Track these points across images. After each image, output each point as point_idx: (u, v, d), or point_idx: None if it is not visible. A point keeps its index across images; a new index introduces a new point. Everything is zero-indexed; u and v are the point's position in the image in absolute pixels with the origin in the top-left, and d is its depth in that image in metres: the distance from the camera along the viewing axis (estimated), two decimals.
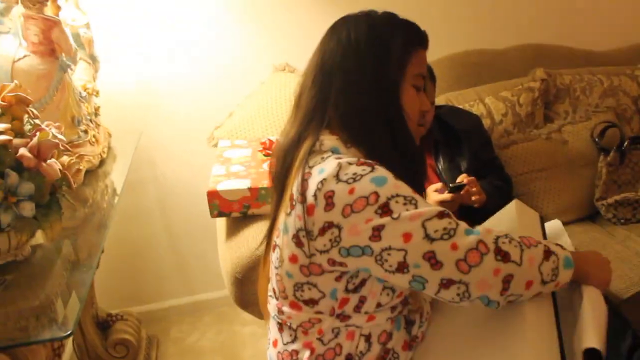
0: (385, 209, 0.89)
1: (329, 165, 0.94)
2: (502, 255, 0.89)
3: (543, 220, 1.25)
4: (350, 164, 0.93)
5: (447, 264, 0.87)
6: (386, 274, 0.91)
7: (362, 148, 1.00)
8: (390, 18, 1.06)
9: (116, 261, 2.28)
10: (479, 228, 0.92)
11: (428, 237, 0.87)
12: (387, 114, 1.01)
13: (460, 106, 2.01)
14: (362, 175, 0.91)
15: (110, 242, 2.14)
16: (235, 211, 1.53)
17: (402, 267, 0.89)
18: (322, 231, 0.93)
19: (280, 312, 1.08)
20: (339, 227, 0.91)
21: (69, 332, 1.13)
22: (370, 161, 0.95)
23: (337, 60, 1.02)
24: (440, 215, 0.89)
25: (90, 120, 1.77)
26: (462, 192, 1.54)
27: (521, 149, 2.00)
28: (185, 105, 2.16)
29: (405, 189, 0.92)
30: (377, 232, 0.89)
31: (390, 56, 1.01)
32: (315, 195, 0.93)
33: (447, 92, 2.10)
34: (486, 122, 2.00)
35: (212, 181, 1.55)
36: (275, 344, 1.13)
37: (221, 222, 1.69)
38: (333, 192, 0.91)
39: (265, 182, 1.51)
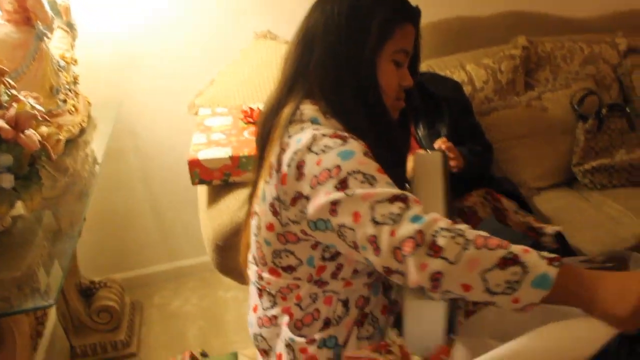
0: (343, 184, 0.88)
1: (305, 135, 0.95)
2: (435, 250, 0.80)
3: (445, 157, 1.22)
4: (324, 135, 0.94)
5: (384, 250, 0.83)
6: (349, 249, 0.90)
7: (340, 119, 1.00)
8: None
9: (99, 229, 2.28)
10: (430, 216, 0.84)
11: (374, 220, 0.84)
12: (362, 87, 1.01)
13: (442, 73, 2.01)
14: (331, 148, 0.91)
15: (92, 211, 2.14)
16: (216, 179, 1.53)
17: (355, 246, 0.88)
18: (294, 201, 0.94)
19: (260, 278, 1.10)
20: (307, 198, 0.92)
21: (51, 302, 1.15)
22: (345, 134, 0.95)
23: (319, 30, 1.02)
24: (393, 199, 0.85)
25: (69, 90, 1.75)
26: None
27: (502, 115, 2.02)
28: (166, 73, 2.14)
29: (370, 167, 0.90)
30: (334, 207, 0.88)
31: (370, 30, 1.00)
32: (289, 165, 0.94)
33: (428, 59, 2.10)
34: (467, 89, 2.01)
35: (193, 149, 1.54)
36: (255, 309, 1.15)
37: (202, 190, 1.70)
38: (304, 162, 0.92)
39: (246, 150, 1.52)
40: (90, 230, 2.14)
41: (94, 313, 2.04)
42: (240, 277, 1.50)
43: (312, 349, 1.04)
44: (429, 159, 1.21)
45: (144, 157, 2.25)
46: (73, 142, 1.75)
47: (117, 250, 2.39)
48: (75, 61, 1.78)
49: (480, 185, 1.72)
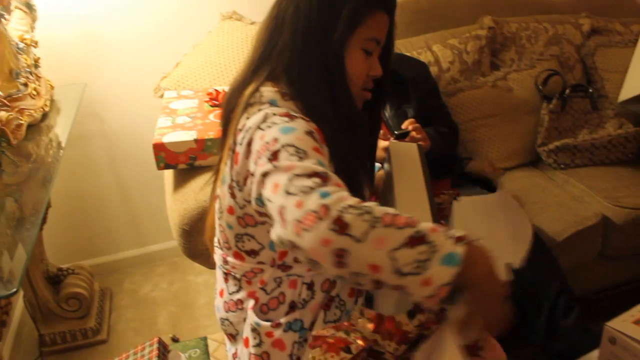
0: (274, 155, 0.85)
1: (258, 115, 0.95)
2: (340, 226, 0.74)
3: (421, 149, 1.22)
4: (275, 114, 0.94)
5: (288, 222, 0.77)
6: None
7: (299, 102, 1.00)
8: None
9: (66, 216, 2.26)
10: (340, 194, 0.78)
11: (286, 191, 0.79)
12: (328, 72, 1.00)
13: (408, 54, 2.02)
14: (277, 124, 0.91)
15: (59, 198, 2.12)
16: (182, 163, 1.52)
17: (275, 220, 0.83)
18: (245, 180, 0.94)
19: (225, 262, 1.10)
20: (254, 175, 0.90)
21: (14, 290, 1.13)
22: (296, 114, 0.95)
23: (289, 11, 1.01)
24: (313, 174, 0.80)
25: (30, 73, 1.71)
26: (406, 139, 1.56)
27: (468, 96, 2.04)
28: (131, 55, 2.11)
29: (306, 143, 0.87)
30: (263, 178, 0.85)
31: (340, 15, 0.99)
32: (240, 144, 0.94)
33: (395, 39, 2.10)
34: (433, 70, 2.02)
35: (158, 133, 1.53)
36: (221, 293, 1.15)
37: (169, 174, 1.69)
38: (253, 139, 0.92)
39: (212, 134, 1.50)
40: (56, 217, 2.12)
41: (63, 300, 2.02)
42: (207, 261, 1.50)
43: (277, 333, 1.04)
44: (405, 150, 1.21)
45: (110, 141, 2.22)
46: (36, 127, 1.72)
47: (84, 237, 2.37)
48: (36, 43, 1.74)
49: (446, 166, 1.73)
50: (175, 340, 1.93)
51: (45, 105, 1.76)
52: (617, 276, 2.00)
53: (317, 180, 0.79)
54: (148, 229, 2.43)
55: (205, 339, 1.56)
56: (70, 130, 1.72)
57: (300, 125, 0.92)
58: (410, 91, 1.78)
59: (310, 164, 0.82)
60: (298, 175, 0.80)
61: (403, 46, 2.07)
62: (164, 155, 1.50)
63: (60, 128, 1.75)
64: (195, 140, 1.49)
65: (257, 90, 1.01)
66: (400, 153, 1.20)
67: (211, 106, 1.69)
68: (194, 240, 1.43)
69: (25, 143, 1.64)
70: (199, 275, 2.37)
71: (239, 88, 1.05)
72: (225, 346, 1.52)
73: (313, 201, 0.76)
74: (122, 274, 2.42)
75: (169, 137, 1.50)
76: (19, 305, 2.12)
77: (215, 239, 1.15)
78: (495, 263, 0.81)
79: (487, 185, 1.78)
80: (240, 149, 0.94)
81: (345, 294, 1.09)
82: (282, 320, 1.04)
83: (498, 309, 0.82)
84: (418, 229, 0.76)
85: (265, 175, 0.84)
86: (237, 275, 1.08)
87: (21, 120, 1.58)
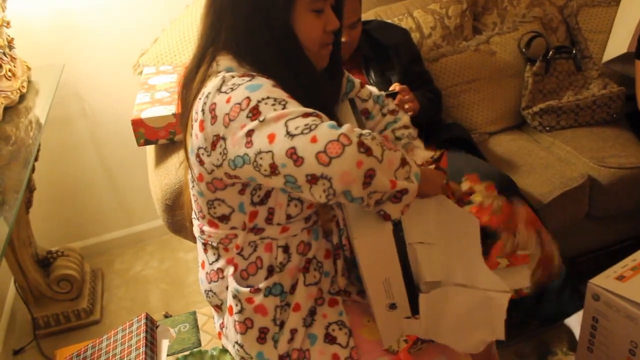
0: (254, 112, 0.87)
1: (215, 80, 0.94)
2: (365, 149, 0.84)
3: (353, 103, 1.25)
4: (233, 76, 0.93)
5: (307, 157, 0.83)
6: (265, 179, 0.90)
7: (255, 68, 0.99)
8: None
9: (52, 199, 2.25)
10: (346, 125, 0.86)
11: (289, 134, 0.84)
12: (280, 50, 0.99)
13: (389, 20, 1.99)
14: (239, 85, 0.91)
15: (44, 180, 2.10)
16: (162, 138, 1.51)
17: (273, 169, 0.86)
18: (213, 145, 0.93)
19: (202, 232, 1.10)
20: (224, 139, 0.91)
21: None
22: (252, 74, 0.94)
23: None
24: (306, 115, 0.86)
25: (4, 54, 1.68)
26: (395, 101, 1.55)
27: (450, 61, 2.02)
28: (109, 33, 2.08)
29: (280, 93, 0.90)
30: (249, 138, 0.87)
31: None
32: (202, 110, 0.93)
33: (376, 6, 2.08)
34: (415, 36, 2.00)
35: (137, 109, 1.51)
36: (203, 265, 1.15)
37: (150, 150, 1.68)
38: (215, 104, 0.91)
39: None
40: (42, 200, 2.11)
41: (54, 283, 2.02)
42: (192, 235, 1.50)
43: (258, 299, 1.04)
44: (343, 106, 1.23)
45: (91, 121, 2.20)
46: (13, 109, 1.70)
47: (72, 219, 2.36)
48: (8, 23, 1.71)
49: (432, 133, 1.73)
50: (167, 317, 1.95)
51: (22, 86, 1.74)
52: (604, 237, 2.01)
53: (314, 118, 0.85)
54: (135, 209, 2.42)
55: (194, 313, 1.57)
56: (49, 111, 1.70)
57: (264, 80, 0.92)
58: (393, 58, 1.77)
59: (295, 108, 0.87)
60: (292, 119, 0.85)
61: (384, 13, 2.05)
62: (144, 131, 1.49)
63: (39, 109, 1.73)
64: (174, 115, 1.48)
65: (212, 61, 1.00)
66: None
67: None
68: (177, 214, 1.42)
69: (4, 125, 1.62)
70: (188, 252, 2.38)
71: (195, 64, 1.03)
72: (213, 319, 1.53)
73: (328, 133, 0.83)
74: (112, 254, 2.43)
75: (148, 113, 1.49)
76: (10, 289, 2.12)
77: (193, 210, 1.14)
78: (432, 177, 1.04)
79: (471, 148, 1.78)
80: (203, 116, 0.93)
81: (321, 255, 1.10)
82: (261, 285, 1.04)
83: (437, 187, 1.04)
84: (401, 151, 0.92)
85: (250, 134, 0.87)
86: (214, 244, 1.08)
87: None
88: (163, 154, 1.53)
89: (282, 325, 1.06)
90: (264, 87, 0.90)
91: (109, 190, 2.36)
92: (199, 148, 0.97)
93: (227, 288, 1.10)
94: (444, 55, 2.02)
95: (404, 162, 0.91)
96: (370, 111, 1.27)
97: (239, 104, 0.88)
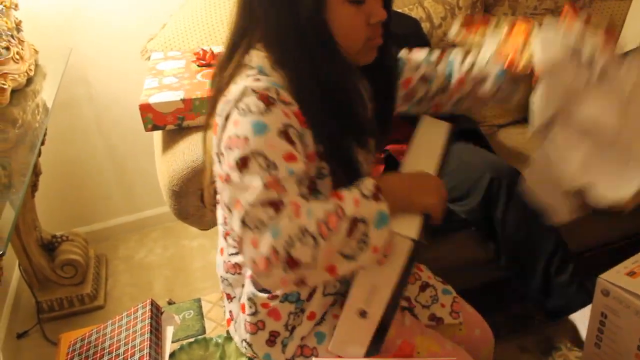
0: (243, 162, 0.84)
1: (240, 86, 0.89)
2: (290, 264, 0.80)
3: (453, 130, 1.14)
4: (254, 91, 0.87)
5: (246, 255, 0.83)
6: None
7: (285, 73, 0.92)
8: None
9: (58, 183, 2.25)
10: (283, 221, 0.80)
11: (242, 221, 0.82)
12: (307, 41, 0.90)
13: (399, 10, 1.97)
14: (251, 112, 0.86)
15: (50, 165, 2.10)
16: (170, 124, 1.50)
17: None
18: (217, 156, 0.92)
19: (225, 223, 1.06)
20: (222, 154, 0.89)
21: (0, 253, 1.13)
22: (274, 97, 0.87)
23: None
24: (266, 204, 0.81)
25: (12, 36, 1.67)
26: None
27: None
28: (116, 17, 2.06)
29: (276, 151, 0.85)
30: (227, 180, 0.86)
31: None
32: (220, 115, 0.91)
33: None
34: (425, 26, 1.98)
35: (145, 94, 1.50)
36: (222, 251, 1.12)
37: (157, 136, 1.67)
38: (230, 116, 0.88)
39: (199, 93, 1.48)
40: (48, 184, 2.10)
41: (58, 267, 2.02)
42: (198, 222, 1.50)
43: (273, 303, 1.02)
44: (435, 126, 1.13)
45: (98, 106, 2.19)
46: (21, 92, 1.70)
47: (77, 204, 2.36)
48: (16, 5, 1.70)
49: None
50: (171, 303, 1.94)
51: (30, 69, 1.73)
52: (611, 233, 1.99)
53: (270, 212, 0.81)
54: (141, 195, 2.41)
55: (199, 300, 1.57)
56: (57, 95, 1.70)
57: (273, 120, 0.86)
58: (402, 48, 1.75)
59: (263, 190, 0.82)
60: (253, 205, 0.81)
61: (394, 2, 2.02)
62: (152, 116, 1.48)
63: (47, 93, 1.73)
64: (183, 100, 1.47)
65: (246, 53, 0.95)
66: (430, 128, 1.12)
67: (199, 66, 1.66)
68: (184, 201, 1.42)
69: (11, 108, 1.62)
70: (193, 239, 2.37)
71: (227, 56, 0.99)
72: (219, 307, 1.53)
73: (265, 243, 0.80)
74: (116, 240, 2.42)
75: (156, 98, 1.48)
76: (15, 273, 2.13)
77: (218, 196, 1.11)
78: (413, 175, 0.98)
79: (480, 140, 1.76)
80: (219, 121, 0.91)
81: None
82: (279, 292, 1.01)
83: (429, 197, 0.93)
84: (347, 215, 0.82)
85: (227, 180, 0.86)
86: (237, 238, 1.06)
87: (4, 84, 1.55)
88: (171, 140, 1.52)
89: (293, 330, 1.05)
90: (266, 135, 0.85)
91: (114, 176, 2.36)
92: (216, 147, 0.94)
93: (242, 285, 1.08)
94: (454, 47, 2.00)
95: (351, 231, 0.82)
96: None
97: (238, 137, 0.85)
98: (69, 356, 1.33)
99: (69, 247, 2.07)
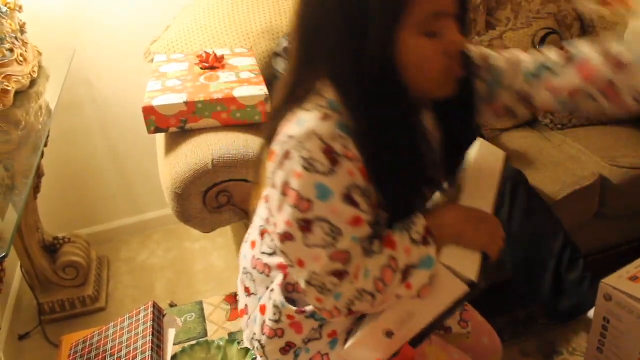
0: (307, 224, 0.83)
1: (307, 124, 0.83)
2: (352, 314, 0.90)
3: (506, 158, 1.10)
4: (322, 140, 0.81)
5: (310, 302, 0.90)
6: None
7: (350, 116, 0.84)
8: None
9: (60, 185, 2.25)
10: (345, 286, 0.86)
11: (307, 282, 0.87)
12: (371, 81, 0.82)
13: None
14: (316, 171, 0.81)
15: (53, 166, 2.10)
16: (173, 126, 1.50)
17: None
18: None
19: (267, 221, 1.01)
20: (272, 197, 0.87)
21: (3, 254, 1.13)
22: (340, 155, 0.82)
23: (311, 15, 0.85)
24: (331, 273, 0.85)
25: (16, 38, 1.68)
26: None
27: None
28: (120, 20, 2.07)
29: (341, 217, 0.83)
30: (287, 237, 0.85)
31: (369, 10, 0.79)
32: (278, 145, 0.85)
33: None
34: None
35: (148, 97, 1.50)
36: (253, 245, 1.09)
37: (160, 139, 1.67)
38: (290, 155, 0.83)
39: (202, 96, 1.48)
40: (51, 186, 2.11)
41: (60, 269, 2.02)
42: (201, 225, 1.50)
43: (299, 317, 1.01)
44: (492, 154, 1.07)
45: (101, 108, 2.19)
46: (24, 94, 1.70)
47: (80, 206, 2.36)
48: (20, 7, 1.71)
49: None
50: (172, 306, 1.94)
51: (33, 71, 1.73)
52: (614, 237, 2.00)
53: (334, 280, 0.86)
54: (143, 197, 2.42)
55: (201, 303, 1.57)
56: (60, 97, 1.70)
57: (339, 182, 0.82)
58: None
59: (329, 262, 0.85)
60: (318, 275, 0.86)
61: None
62: (155, 119, 1.48)
63: (50, 95, 1.73)
64: (186, 103, 1.47)
65: (314, 84, 0.87)
66: (487, 156, 1.06)
67: (202, 69, 1.66)
68: (186, 203, 1.42)
69: (14, 110, 1.62)
70: (195, 242, 2.37)
71: (291, 91, 0.91)
72: (220, 309, 1.53)
73: (328, 303, 0.88)
74: (118, 242, 2.43)
75: (159, 100, 1.48)
76: (17, 275, 2.13)
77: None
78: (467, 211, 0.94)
79: None
80: (277, 150, 0.86)
81: None
82: (308, 309, 1.00)
83: (484, 234, 0.93)
84: (400, 268, 0.87)
85: (289, 237, 0.86)
86: (276, 243, 1.00)
87: (8, 86, 1.56)
88: (173, 143, 1.52)
89: (308, 342, 1.04)
90: (330, 201, 0.82)
91: (116, 178, 2.36)
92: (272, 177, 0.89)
93: (267, 288, 1.06)
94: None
95: (404, 278, 0.87)
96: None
97: (301, 197, 0.82)
98: (71, 358, 1.33)
99: (71, 249, 2.08)
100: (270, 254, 1.04)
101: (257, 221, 1.09)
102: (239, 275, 1.15)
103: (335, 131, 0.82)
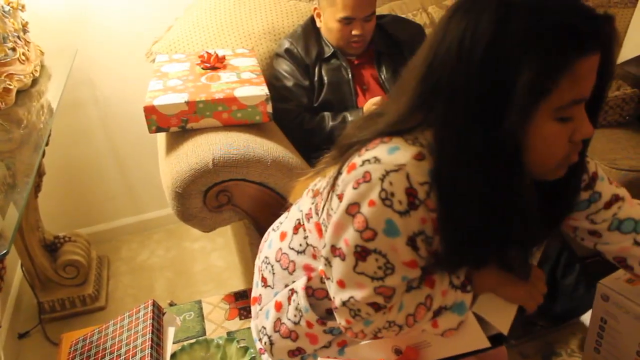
0: (362, 252, 0.84)
1: (400, 155, 0.80)
2: (376, 338, 0.94)
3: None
4: (409, 180, 0.79)
5: (339, 321, 0.93)
6: None
7: (450, 178, 0.80)
8: (538, 9, 0.74)
9: (61, 184, 2.26)
10: (378, 316, 0.90)
11: (343, 303, 0.89)
12: (492, 155, 0.78)
13: (404, 15, 1.99)
14: (391, 206, 0.80)
15: (54, 165, 2.11)
16: (174, 126, 1.50)
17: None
18: (332, 188, 0.88)
19: (307, 217, 1.01)
20: (335, 210, 0.86)
21: (4, 252, 1.13)
22: (420, 200, 0.80)
23: (447, 64, 0.78)
24: (371, 304, 0.87)
25: (18, 37, 1.69)
26: None
27: None
28: (122, 20, 2.08)
29: (398, 257, 0.83)
30: (337, 252, 0.87)
31: (515, 85, 0.74)
32: (361, 159, 0.82)
33: (390, 1, 2.07)
34: (429, 32, 1.99)
35: (149, 96, 1.51)
36: (282, 236, 1.07)
37: (161, 138, 1.67)
38: (369, 178, 0.80)
39: (203, 96, 1.49)
40: (52, 185, 2.12)
41: (60, 268, 2.02)
42: (201, 224, 1.50)
43: (317, 329, 1.02)
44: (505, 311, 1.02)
45: (102, 107, 2.21)
46: (26, 93, 1.70)
47: (80, 205, 2.37)
48: (23, 7, 1.71)
49: None
50: (172, 305, 1.94)
51: (35, 70, 1.74)
52: None
53: (370, 310, 0.88)
54: (144, 197, 2.42)
55: (199, 302, 1.57)
56: (62, 96, 1.70)
57: (409, 226, 0.81)
58: (406, 54, 1.76)
59: (372, 294, 0.86)
60: (358, 301, 0.87)
61: (398, 8, 2.04)
62: (156, 118, 1.49)
63: (52, 94, 1.73)
64: (187, 102, 1.47)
65: (416, 128, 0.83)
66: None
67: (203, 69, 1.67)
68: (187, 203, 1.42)
69: (16, 109, 1.62)
70: (195, 241, 2.38)
71: (398, 121, 0.86)
72: (219, 309, 1.53)
73: (357, 327, 0.91)
74: (118, 241, 2.43)
75: (160, 100, 1.48)
76: (17, 273, 2.13)
77: (311, 191, 1.04)
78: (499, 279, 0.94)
79: None
80: (357, 162, 0.83)
81: None
82: (329, 324, 1.01)
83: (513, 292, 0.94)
84: (433, 308, 0.90)
85: (341, 256, 0.87)
86: (308, 241, 1.01)
87: (10, 85, 1.56)
88: (174, 142, 1.52)
89: (318, 349, 1.05)
90: (394, 241, 0.82)
91: (117, 178, 2.37)
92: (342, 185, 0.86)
93: (286, 285, 1.06)
94: None
95: (436, 314, 0.91)
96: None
97: (367, 226, 0.81)
98: (71, 356, 1.33)
99: (71, 248, 2.08)
100: (299, 252, 1.03)
101: (295, 213, 1.06)
102: (256, 261, 1.16)
103: (425, 176, 0.80)
